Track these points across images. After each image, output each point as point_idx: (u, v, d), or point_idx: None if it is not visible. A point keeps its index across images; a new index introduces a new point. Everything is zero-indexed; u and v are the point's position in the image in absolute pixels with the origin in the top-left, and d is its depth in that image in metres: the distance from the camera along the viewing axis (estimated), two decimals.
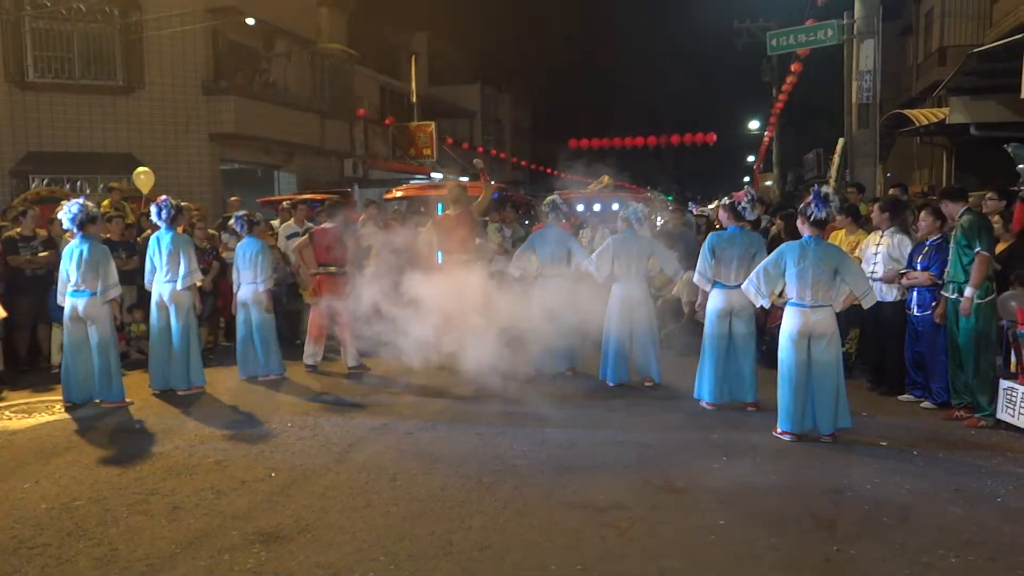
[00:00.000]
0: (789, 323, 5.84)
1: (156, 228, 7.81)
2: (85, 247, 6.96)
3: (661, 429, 6.17)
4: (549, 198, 8.40)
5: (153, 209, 7.69)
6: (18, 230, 8.62)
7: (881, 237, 7.07)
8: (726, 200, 7.03)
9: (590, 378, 7.75)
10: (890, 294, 6.92)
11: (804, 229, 5.90)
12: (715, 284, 6.75)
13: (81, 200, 7.16)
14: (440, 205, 10.95)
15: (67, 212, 7.00)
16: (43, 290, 8.22)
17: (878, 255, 7.02)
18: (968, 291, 6.17)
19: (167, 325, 7.54)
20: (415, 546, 4.09)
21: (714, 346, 6.71)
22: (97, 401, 7.05)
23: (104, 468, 5.43)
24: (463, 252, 8.32)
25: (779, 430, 5.89)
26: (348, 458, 5.53)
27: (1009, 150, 8.79)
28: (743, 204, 6.72)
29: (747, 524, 4.32)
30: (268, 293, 8.22)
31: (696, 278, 6.92)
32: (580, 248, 8.40)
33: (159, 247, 7.56)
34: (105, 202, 10.93)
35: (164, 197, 7.77)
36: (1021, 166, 8.70)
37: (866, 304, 5.96)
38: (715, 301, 6.75)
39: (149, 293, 7.76)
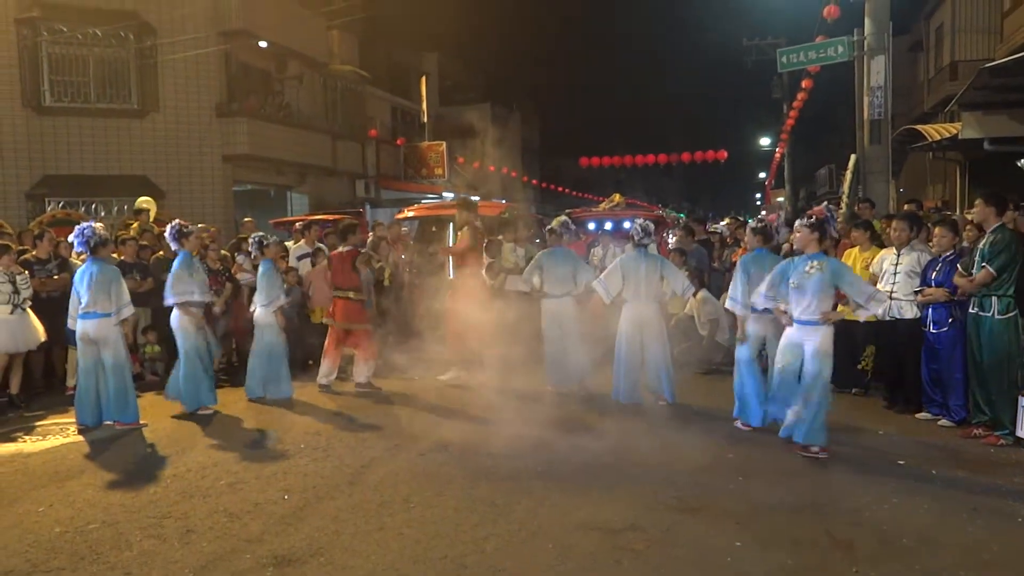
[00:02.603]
0: (787, 336, 6.07)
1: (172, 253, 7.83)
2: (95, 268, 7.01)
3: (675, 449, 6.11)
4: (559, 218, 8.39)
5: (167, 231, 7.78)
6: (34, 253, 8.71)
7: (899, 256, 7.02)
8: (754, 223, 7.27)
9: (603, 397, 7.71)
10: (910, 311, 6.85)
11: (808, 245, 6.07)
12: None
13: (92, 223, 7.22)
14: (451, 224, 10.98)
15: (79, 234, 7.08)
16: (58, 313, 8.26)
17: (898, 274, 6.94)
18: (961, 280, 6.26)
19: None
20: (429, 569, 4.06)
21: (751, 371, 6.70)
22: (111, 423, 7.06)
23: (117, 491, 5.43)
24: (473, 271, 8.33)
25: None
26: (361, 480, 5.52)
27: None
28: (777, 225, 6.89)
29: (764, 546, 4.27)
30: (281, 313, 8.24)
31: (734, 306, 6.79)
32: (586, 268, 8.39)
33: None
34: (134, 225, 10.98)
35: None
36: None
37: (861, 316, 6.10)
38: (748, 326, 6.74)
39: (162, 314, 7.77)
